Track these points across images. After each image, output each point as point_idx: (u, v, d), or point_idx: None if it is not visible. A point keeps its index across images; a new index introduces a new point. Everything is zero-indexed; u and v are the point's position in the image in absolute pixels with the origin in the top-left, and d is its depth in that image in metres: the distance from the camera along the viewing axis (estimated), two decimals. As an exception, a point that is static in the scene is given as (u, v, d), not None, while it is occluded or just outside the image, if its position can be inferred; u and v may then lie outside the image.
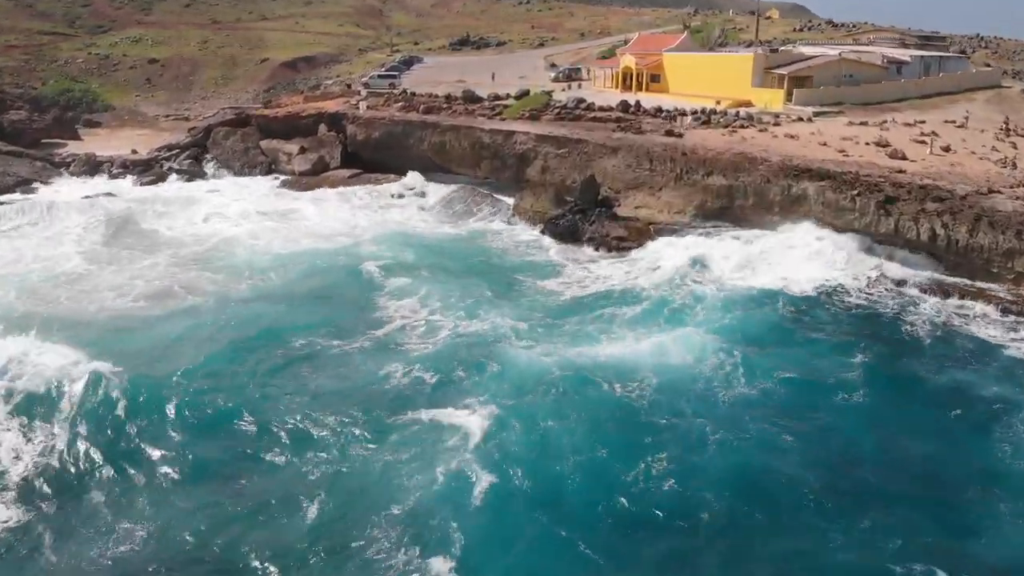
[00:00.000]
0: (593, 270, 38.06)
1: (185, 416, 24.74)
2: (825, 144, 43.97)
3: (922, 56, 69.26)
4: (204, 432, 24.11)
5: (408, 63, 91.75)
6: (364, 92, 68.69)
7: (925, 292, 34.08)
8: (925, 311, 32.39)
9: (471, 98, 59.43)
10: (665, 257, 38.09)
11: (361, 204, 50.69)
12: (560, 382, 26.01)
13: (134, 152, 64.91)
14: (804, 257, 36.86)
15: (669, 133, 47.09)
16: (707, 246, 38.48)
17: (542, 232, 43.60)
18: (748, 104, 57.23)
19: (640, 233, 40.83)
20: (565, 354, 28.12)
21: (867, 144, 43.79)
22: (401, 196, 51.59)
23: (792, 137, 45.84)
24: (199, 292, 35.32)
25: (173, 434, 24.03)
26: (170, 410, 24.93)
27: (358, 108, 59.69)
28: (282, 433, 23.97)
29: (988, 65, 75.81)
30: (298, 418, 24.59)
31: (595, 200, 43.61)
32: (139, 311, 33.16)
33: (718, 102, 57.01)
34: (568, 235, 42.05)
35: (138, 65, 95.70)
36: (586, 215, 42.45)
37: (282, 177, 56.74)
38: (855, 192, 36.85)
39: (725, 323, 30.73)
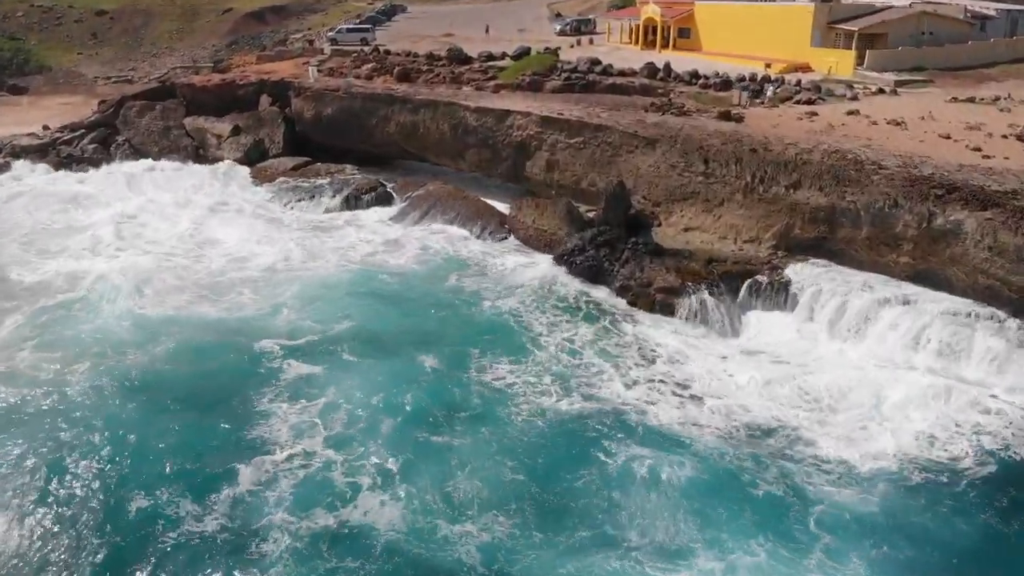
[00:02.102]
0: (626, 359, 22.39)
1: None
2: (948, 137, 29.01)
3: (1008, 10, 53.99)
4: None
5: (389, 13, 76.03)
6: (328, 50, 52.55)
7: None
8: None
9: (458, 58, 45.48)
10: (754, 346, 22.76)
11: (290, 218, 34.40)
12: None
13: (45, 129, 48.74)
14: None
15: (725, 116, 31.62)
16: (826, 343, 22.95)
17: (552, 265, 28.00)
18: (806, 68, 44.32)
19: (698, 280, 25.26)
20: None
21: (1003, 137, 29.22)
22: (350, 204, 35.42)
23: (897, 124, 30.75)
24: None
25: None
26: None
27: (309, 74, 43.26)
28: None
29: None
30: None
31: (624, 218, 27.95)
32: None
33: (768, 65, 43.31)
34: (587, 280, 26.51)
35: (84, 18, 78.47)
36: (615, 249, 26.71)
37: (209, 167, 40.77)
38: (1052, 232, 21.54)
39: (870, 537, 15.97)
